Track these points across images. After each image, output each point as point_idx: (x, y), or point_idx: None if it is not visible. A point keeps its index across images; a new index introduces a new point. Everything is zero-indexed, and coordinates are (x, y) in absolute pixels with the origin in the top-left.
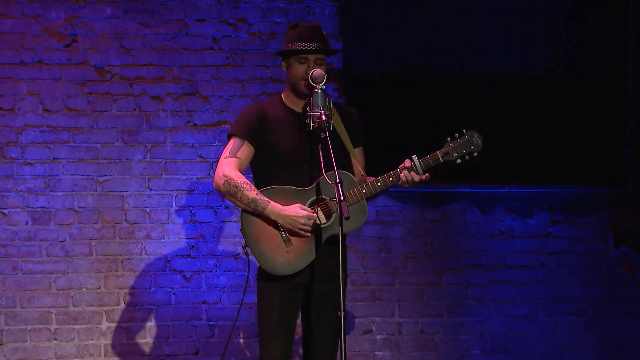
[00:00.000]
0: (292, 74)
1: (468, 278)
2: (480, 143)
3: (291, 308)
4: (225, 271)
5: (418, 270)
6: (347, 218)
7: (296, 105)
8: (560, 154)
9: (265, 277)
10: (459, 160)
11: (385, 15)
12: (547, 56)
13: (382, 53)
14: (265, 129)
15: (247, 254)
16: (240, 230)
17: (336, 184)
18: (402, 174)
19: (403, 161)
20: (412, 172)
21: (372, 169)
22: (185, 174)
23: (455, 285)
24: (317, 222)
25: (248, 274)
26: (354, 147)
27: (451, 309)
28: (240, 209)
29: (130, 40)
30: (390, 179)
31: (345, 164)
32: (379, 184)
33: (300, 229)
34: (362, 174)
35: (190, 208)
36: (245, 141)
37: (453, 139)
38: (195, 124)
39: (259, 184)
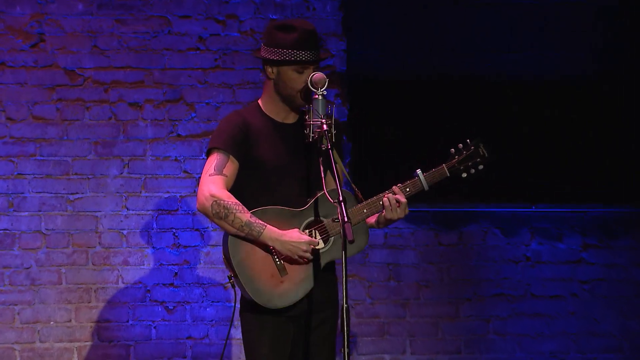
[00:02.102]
0: (289, 85)
1: (489, 310)
2: (486, 154)
3: (283, 345)
4: (213, 302)
5: (432, 301)
6: (352, 242)
7: (278, 114)
8: (594, 168)
9: (251, 309)
10: (464, 175)
11: (393, 11)
12: (576, 57)
13: (390, 54)
14: (250, 141)
15: (233, 285)
16: (224, 258)
17: (339, 203)
18: (384, 198)
19: (413, 174)
20: (398, 196)
21: (380, 182)
22: (168, 192)
23: (474, 318)
24: (316, 247)
25: (235, 304)
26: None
27: (470, 344)
28: (224, 233)
29: (105, 39)
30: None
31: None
32: (381, 203)
33: (300, 256)
34: (355, 190)
35: (174, 230)
36: (230, 156)
37: (458, 150)
38: (179, 135)
39: (242, 204)
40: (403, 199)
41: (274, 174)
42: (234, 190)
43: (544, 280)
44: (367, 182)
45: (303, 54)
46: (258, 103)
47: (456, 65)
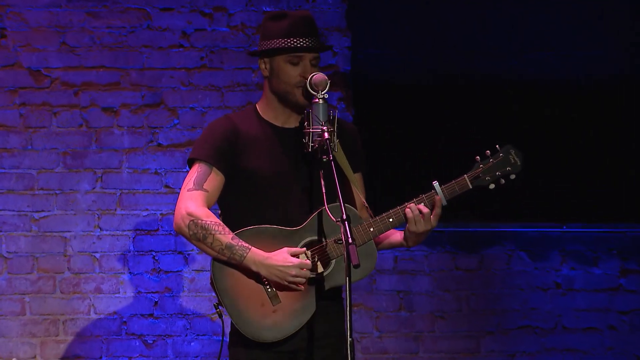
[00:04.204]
0: (283, 79)
1: (514, 344)
2: (519, 162)
3: None
4: (198, 335)
5: (449, 335)
6: (357, 266)
7: (277, 118)
8: (635, 182)
9: (242, 343)
10: (492, 186)
11: (406, 3)
12: (612, 56)
13: (403, 52)
14: (239, 150)
15: (221, 315)
16: (211, 284)
17: (343, 221)
18: (407, 209)
19: (429, 189)
20: (421, 206)
21: (388, 196)
22: (147, 209)
23: (497, 354)
24: (312, 271)
25: (223, 338)
26: (354, 173)
27: None
28: (210, 257)
29: (75, 35)
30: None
31: (344, 195)
32: (391, 220)
33: (290, 282)
34: (366, 207)
35: (153, 253)
36: (214, 168)
37: (484, 158)
38: (159, 144)
39: (231, 223)
40: (425, 209)
41: (268, 187)
42: (225, 205)
43: (577, 311)
44: (373, 196)
45: (295, 41)
46: (255, 106)
47: (477, 66)
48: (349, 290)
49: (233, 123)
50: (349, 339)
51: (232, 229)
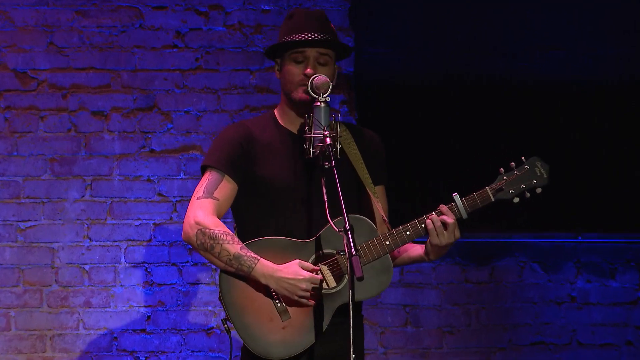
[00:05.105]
0: (287, 79)
1: None
2: (545, 175)
3: None
4: (193, 351)
5: (458, 350)
6: (361, 279)
7: (293, 124)
8: None
9: None
10: (516, 200)
11: (414, 0)
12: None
13: (409, 53)
14: (252, 157)
15: (228, 331)
16: (219, 298)
17: (345, 231)
18: (428, 220)
19: (444, 203)
20: (444, 217)
21: (399, 208)
22: (139, 218)
23: None
24: (325, 286)
25: (231, 356)
26: (374, 185)
27: None
28: (217, 269)
29: (63, 35)
30: (423, 225)
31: (362, 208)
32: (408, 233)
33: (301, 297)
34: (385, 221)
35: (146, 265)
36: (226, 176)
37: (509, 170)
38: (152, 150)
39: (242, 234)
40: (450, 220)
41: (282, 197)
42: (236, 215)
43: (593, 326)
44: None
45: (296, 36)
46: (273, 112)
47: (489, 66)
48: (352, 303)
49: (247, 129)
50: (351, 356)
51: (245, 239)
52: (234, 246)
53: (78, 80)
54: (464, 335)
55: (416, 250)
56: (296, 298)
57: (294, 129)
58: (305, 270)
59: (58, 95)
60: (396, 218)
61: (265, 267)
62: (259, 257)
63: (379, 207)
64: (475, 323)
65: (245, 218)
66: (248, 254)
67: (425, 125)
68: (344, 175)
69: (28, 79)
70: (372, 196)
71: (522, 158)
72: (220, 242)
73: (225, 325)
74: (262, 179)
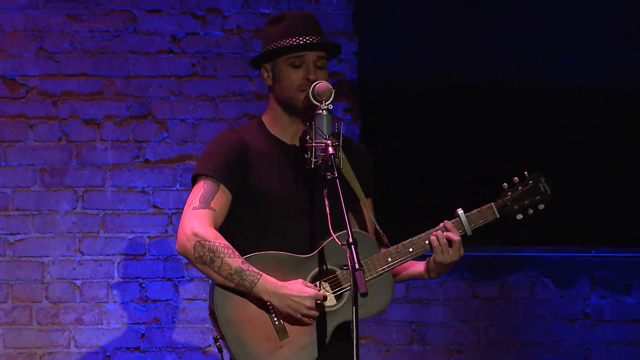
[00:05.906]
0: (285, 84)
1: None
2: (549, 191)
3: None
4: None
5: None
6: (365, 294)
7: (284, 132)
8: None
9: None
10: (519, 216)
11: (418, 3)
12: None
13: (415, 58)
14: (247, 167)
15: (220, 350)
16: (211, 314)
17: (349, 245)
18: (432, 237)
19: (448, 206)
20: (449, 233)
21: (402, 223)
22: (133, 231)
23: None
24: (325, 304)
25: None
26: (365, 197)
27: None
28: (212, 282)
29: (54, 39)
30: (427, 242)
31: (360, 221)
32: (411, 250)
33: (304, 315)
34: (380, 234)
35: (140, 280)
36: (221, 185)
37: (512, 185)
38: (146, 160)
39: (235, 248)
40: (456, 237)
41: (277, 209)
42: (225, 228)
43: (608, 344)
44: (383, 223)
45: (293, 40)
46: (261, 119)
47: (492, 69)
48: (356, 321)
49: (241, 136)
50: None
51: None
52: (235, 260)
53: (69, 87)
54: (472, 353)
55: (416, 267)
56: (299, 316)
57: (286, 138)
58: (309, 288)
59: (48, 102)
60: (392, 231)
61: (268, 283)
62: (261, 273)
63: (373, 220)
64: (484, 341)
65: (235, 230)
66: (250, 268)
67: (428, 128)
68: (341, 186)
69: (17, 85)
70: (364, 209)
71: (525, 173)
72: (221, 255)
73: (217, 344)
74: (255, 190)
